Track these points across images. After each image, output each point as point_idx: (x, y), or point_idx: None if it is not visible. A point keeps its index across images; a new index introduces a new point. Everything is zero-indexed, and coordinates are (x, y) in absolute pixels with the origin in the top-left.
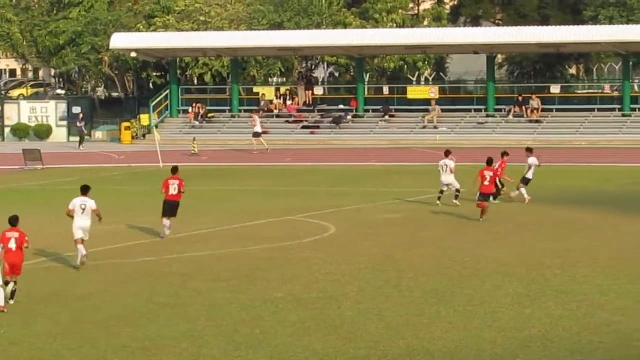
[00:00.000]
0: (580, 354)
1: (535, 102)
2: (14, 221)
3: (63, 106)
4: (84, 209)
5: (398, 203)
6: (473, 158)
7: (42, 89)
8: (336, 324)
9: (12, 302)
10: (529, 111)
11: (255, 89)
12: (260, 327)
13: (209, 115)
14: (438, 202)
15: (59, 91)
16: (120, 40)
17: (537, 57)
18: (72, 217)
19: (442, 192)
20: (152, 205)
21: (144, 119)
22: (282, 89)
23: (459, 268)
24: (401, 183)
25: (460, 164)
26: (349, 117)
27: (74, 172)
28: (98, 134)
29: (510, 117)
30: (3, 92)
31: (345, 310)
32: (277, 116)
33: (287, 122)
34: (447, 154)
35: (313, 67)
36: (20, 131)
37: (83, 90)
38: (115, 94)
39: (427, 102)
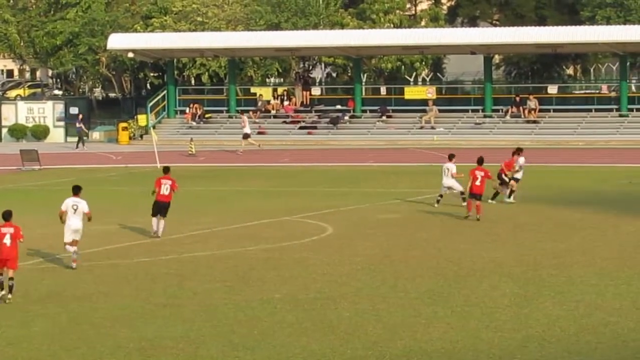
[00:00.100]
0: (577, 354)
1: (532, 103)
2: (7, 216)
3: (60, 107)
4: (75, 209)
5: (395, 203)
6: (471, 159)
7: (39, 90)
8: (333, 324)
9: (10, 297)
10: (526, 111)
11: (253, 90)
12: (257, 328)
13: (206, 115)
14: (435, 205)
15: (56, 92)
16: (117, 41)
17: (535, 57)
18: (64, 219)
19: (441, 195)
20: (149, 206)
21: (141, 119)
22: (280, 90)
23: (455, 268)
24: (398, 183)
25: (457, 164)
26: (346, 118)
27: (71, 173)
28: (95, 135)
29: (508, 117)
30: (0, 93)
31: (343, 311)
32: (275, 116)
33: (285, 122)
34: (451, 157)
35: (310, 67)
36: (18, 132)
37: (80, 90)
38: (112, 95)
39: (424, 102)
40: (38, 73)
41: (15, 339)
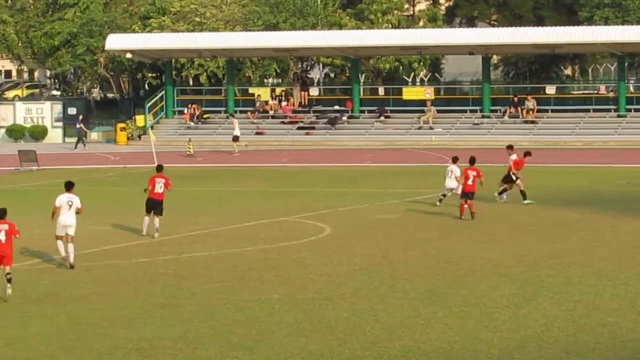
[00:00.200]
0: (576, 354)
1: (530, 103)
2: (2, 214)
3: (58, 107)
4: (70, 205)
5: (393, 204)
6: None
7: (37, 90)
8: (332, 324)
9: (10, 290)
10: (524, 112)
11: (251, 90)
12: (255, 328)
13: (205, 116)
14: (437, 203)
15: (55, 92)
16: (115, 41)
17: (533, 57)
18: (56, 216)
19: (444, 195)
20: None
21: (140, 119)
22: (278, 90)
23: (454, 269)
24: (396, 184)
25: (459, 165)
26: (345, 118)
27: (70, 173)
28: (93, 135)
29: (506, 117)
30: None
31: (341, 311)
32: (273, 117)
33: (283, 122)
34: (455, 160)
35: (308, 67)
36: (16, 132)
37: (78, 91)
38: (110, 95)
39: (422, 102)
40: (36, 73)
41: (13, 339)
